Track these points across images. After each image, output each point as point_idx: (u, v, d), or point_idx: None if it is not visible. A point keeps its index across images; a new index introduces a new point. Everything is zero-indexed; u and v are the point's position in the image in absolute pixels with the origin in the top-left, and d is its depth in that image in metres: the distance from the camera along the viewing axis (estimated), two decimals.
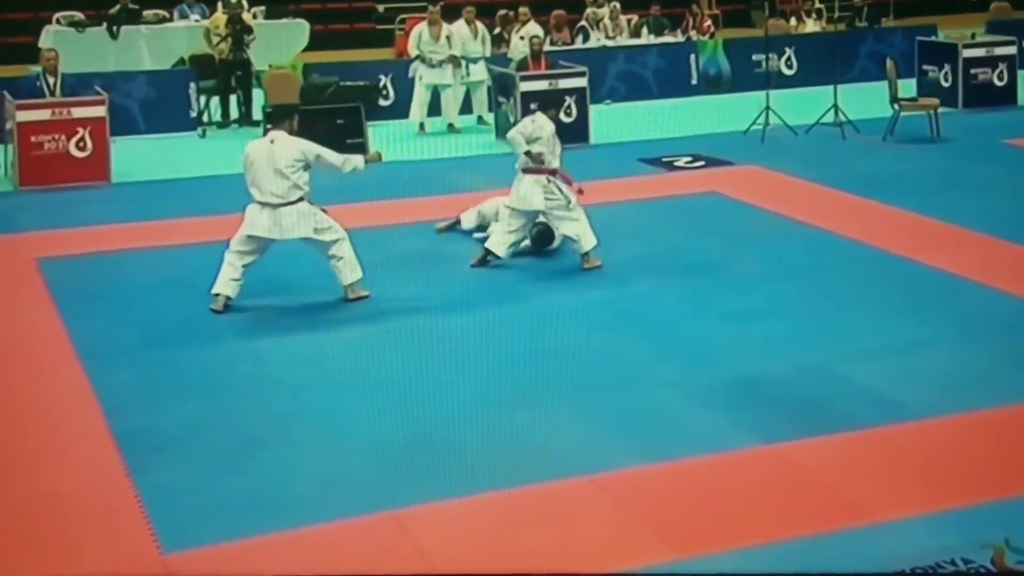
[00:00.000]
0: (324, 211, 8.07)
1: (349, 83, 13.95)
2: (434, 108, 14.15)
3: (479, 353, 7.06)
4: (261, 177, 7.92)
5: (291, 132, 8.05)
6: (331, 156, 8.06)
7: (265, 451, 5.98)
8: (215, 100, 14.23)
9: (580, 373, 6.84)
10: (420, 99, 14.02)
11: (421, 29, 14.13)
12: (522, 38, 14.63)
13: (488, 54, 14.51)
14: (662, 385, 6.73)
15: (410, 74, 14.10)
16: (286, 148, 7.92)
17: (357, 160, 8.25)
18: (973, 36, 15.55)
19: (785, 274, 8.68)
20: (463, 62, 14.18)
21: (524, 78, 13.28)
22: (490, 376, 6.72)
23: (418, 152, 12.74)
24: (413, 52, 14.07)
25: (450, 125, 14.11)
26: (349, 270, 8.06)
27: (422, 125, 14.02)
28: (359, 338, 7.45)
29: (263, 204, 7.95)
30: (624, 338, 7.46)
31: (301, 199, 7.96)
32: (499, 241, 8.88)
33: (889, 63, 13.47)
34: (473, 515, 5.30)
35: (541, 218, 8.97)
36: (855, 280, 8.52)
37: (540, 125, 8.81)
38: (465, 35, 14.28)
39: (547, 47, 14.47)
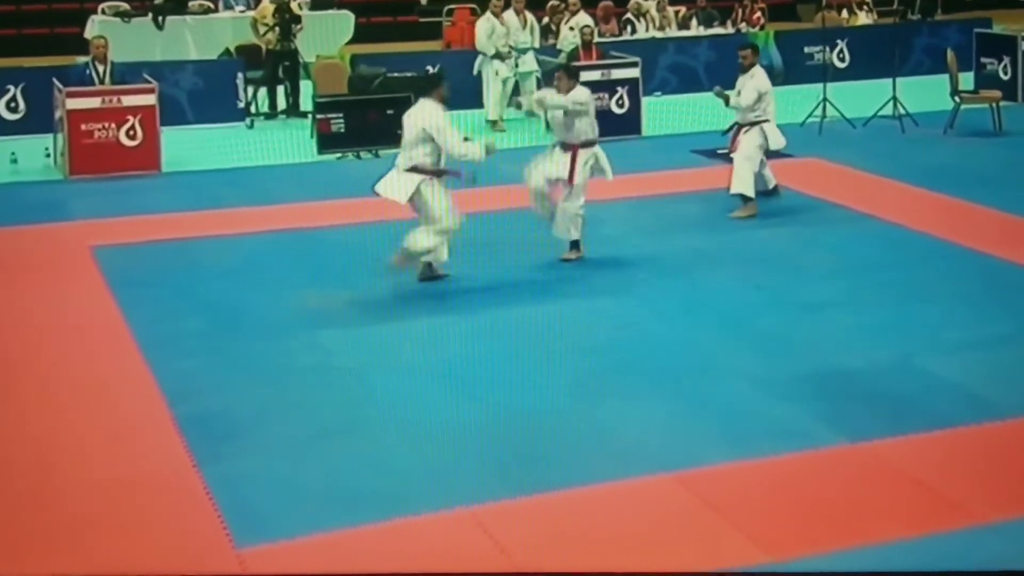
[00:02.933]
0: None
1: (396, 74, 13.75)
2: (475, 100, 13.83)
3: (552, 345, 6.86)
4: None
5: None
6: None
7: (335, 442, 5.80)
8: (262, 91, 14.07)
9: (657, 366, 6.66)
10: (497, 94, 13.59)
11: (492, 22, 13.73)
12: (572, 28, 14.39)
13: (537, 45, 14.27)
14: (741, 378, 6.50)
15: (475, 70, 13.74)
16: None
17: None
18: None
19: (855, 266, 8.45)
20: (513, 53, 13.95)
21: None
22: (565, 369, 6.52)
23: None
24: (489, 49, 13.61)
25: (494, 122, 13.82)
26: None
27: (494, 122, 13.57)
28: (426, 329, 7.25)
29: None
30: (697, 330, 7.25)
31: None
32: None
33: (950, 55, 13.17)
34: (554, 512, 5.12)
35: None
36: (927, 273, 8.28)
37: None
38: (515, 25, 14.05)
39: (595, 38, 14.23)
